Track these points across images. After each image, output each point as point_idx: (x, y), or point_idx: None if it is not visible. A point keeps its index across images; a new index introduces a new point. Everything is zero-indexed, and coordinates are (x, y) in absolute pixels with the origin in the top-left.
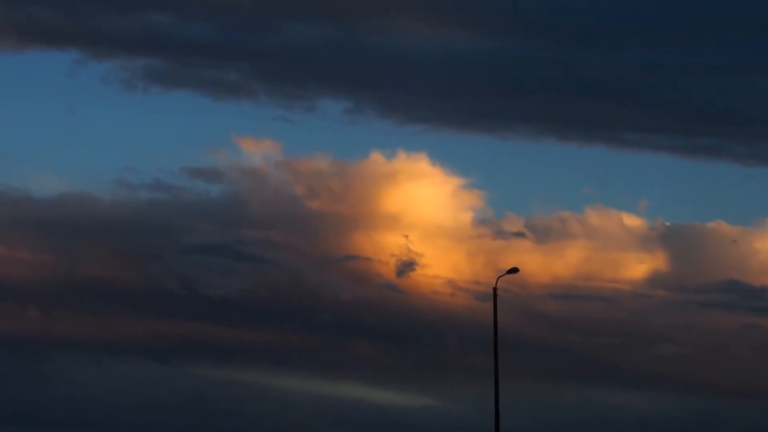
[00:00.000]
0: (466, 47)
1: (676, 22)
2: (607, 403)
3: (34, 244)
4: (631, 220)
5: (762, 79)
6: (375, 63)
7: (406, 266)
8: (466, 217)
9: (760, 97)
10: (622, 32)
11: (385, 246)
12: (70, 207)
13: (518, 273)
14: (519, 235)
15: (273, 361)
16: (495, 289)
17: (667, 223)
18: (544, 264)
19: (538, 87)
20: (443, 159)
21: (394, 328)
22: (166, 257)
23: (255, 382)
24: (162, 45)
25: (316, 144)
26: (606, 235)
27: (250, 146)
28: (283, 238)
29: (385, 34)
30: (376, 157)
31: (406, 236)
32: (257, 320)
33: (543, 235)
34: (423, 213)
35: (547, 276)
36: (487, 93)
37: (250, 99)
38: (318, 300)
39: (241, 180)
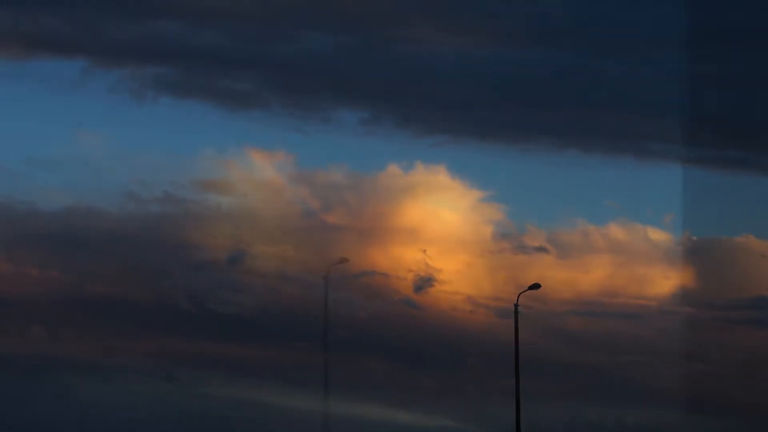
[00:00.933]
0: (485, 57)
1: (703, 30)
2: (631, 422)
3: (40, 260)
4: (657, 235)
5: None
6: (392, 73)
7: (424, 282)
8: (486, 231)
9: None
10: (648, 41)
11: (403, 261)
12: (77, 221)
13: (540, 289)
14: (541, 249)
15: (285, 380)
16: (516, 305)
17: (694, 238)
18: (566, 280)
19: (561, 98)
20: (462, 171)
21: (411, 345)
22: (176, 273)
23: (266, 402)
24: (172, 54)
25: (331, 156)
26: (631, 250)
27: (263, 158)
28: (297, 253)
29: (403, 43)
30: (393, 170)
31: (424, 251)
32: (269, 337)
33: (566, 249)
34: (441, 227)
35: (569, 292)
36: (508, 104)
37: (262, 109)
38: (332, 317)
39: (254, 193)
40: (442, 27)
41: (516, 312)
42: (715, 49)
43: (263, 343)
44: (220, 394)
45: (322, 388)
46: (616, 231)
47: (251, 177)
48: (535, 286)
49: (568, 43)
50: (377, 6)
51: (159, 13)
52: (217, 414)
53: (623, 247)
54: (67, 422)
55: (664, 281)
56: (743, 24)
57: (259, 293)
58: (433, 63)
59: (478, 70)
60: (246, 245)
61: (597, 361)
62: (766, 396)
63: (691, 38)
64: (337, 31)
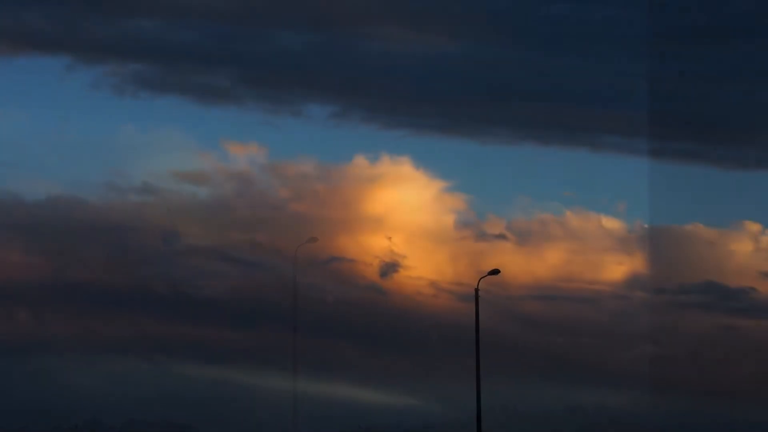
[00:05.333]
0: (448, 53)
1: (654, 29)
2: (587, 402)
3: (24, 247)
4: (611, 223)
5: (740, 85)
6: (359, 68)
7: (390, 268)
8: (449, 219)
9: (737, 102)
10: (602, 38)
11: (369, 248)
12: (60, 210)
13: (500, 274)
14: (500, 237)
15: (258, 361)
16: (477, 290)
17: (646, 226)
18: (525, 265)
19: (519, 92)
20: (426, 163)
21: (377, 328)
22: (155, 259)
23: (240, 382)
24: (151, 51)
25: (301, 148)
26: (586, 238)
27: (237, 150)
28: (268, 240)
29: (370, 40)
30: (360, 161)
31: (390, 238)
32: (243, 321)
33: (524, 237)
34: (406, 216)
35: (528, 277)
36: (469, 98)
37: (236, 104)
38: (302, 301)
39: (228, 183)
40: (406, 25)
41: (477, 296)
42: (667, 47)
43: (237, 326)
44: (196, 373)
45: (292, 369)
46: (572, 219)
47: (226, 168)
48: (495, 272)
49: (525, 39)
50: (345, 5)
51: (139, 11)
52: (193, 393)
53: (579, 234)
54: (50, 402)
55: (618, 267)
56: (696, 23)
57: (232, 278)
58: (398, 59)
59: (441, 66)
60: (221, 233)
61: (554, 343)
62: (716, 376)
63: (645, 36)
64: (307, 29)
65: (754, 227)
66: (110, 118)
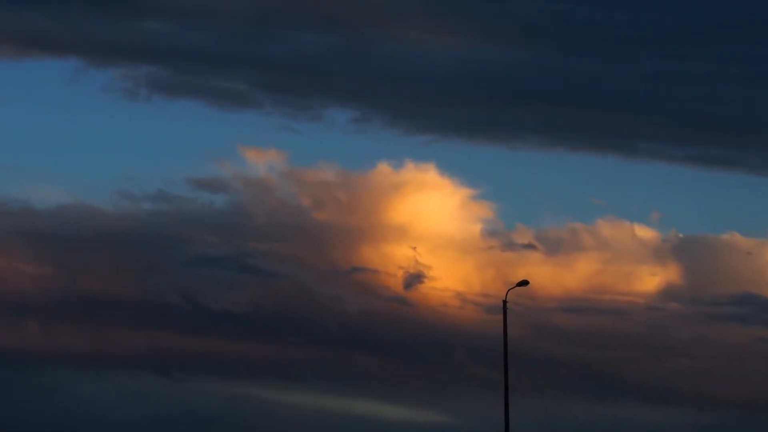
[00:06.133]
0: (475, 56)
1: (689, 30)
2: (618, 418)
3: (35, 257)
4: (644, 232)
5: None
6: (382, 72)
7: (414, 279)
8: (475, 228)
9: None
10: (635, 41)
11: (393, 258)
12: (72, 219)
13: (528, 286)
14: (529, 247)
15: (278, 376)
16: (505, 302)
17: (680, 235)
18: (554, 276)
19: (549, 96)
20: (452, 169)
21: (401, 341)
22: (170, 270)
23: (259, 397)
24: (165, 53)
25: (322, 154)
26: (618, 247)
27: (255, 156)
28: (289, 250)
29: (393, 42)
30: (383, 168)
31: (414, 248)
32: (262, 334)
33: (554, 247)
34: (431, 224)
35: (557, 289)
36: (497, 102)
37: (255, 108)
38: (323, 312)
39: (246, 191)
40: (431, 26)
41: (505, 308)
42: (701, 48)
43: (256, 339)
44: (213, 389)
45: (316, 384)
46: (603, 228)
47: (244, 175)
48: (524, 283)
49: (556, 42)
50: (368, 5)
51: (152, 12)
52: (210, 409)
53: (610, 244)
54: (61, 417)
55: (651, 278)
56: (728, 23)
57: (251, 290)
58: (422, 62)
59: (468, 69)
60: (239, 242)
61: (584, 357)
62: (749, 390)
63: (677, 37)
64: (328, 31)
65: None
66: (122, 123)
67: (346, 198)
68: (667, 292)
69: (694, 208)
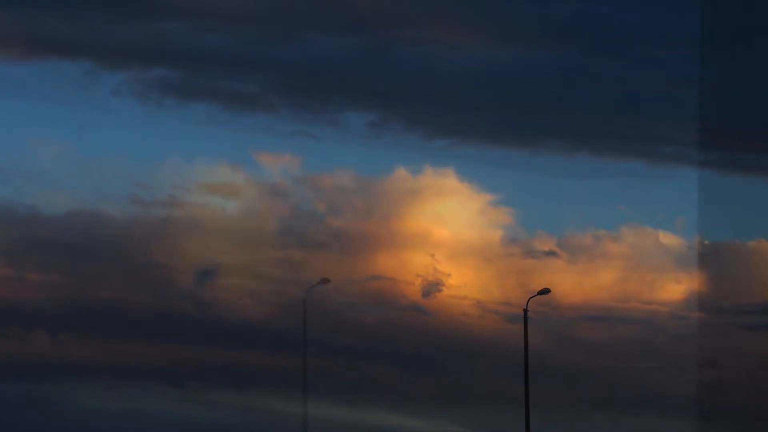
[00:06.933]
0: (494, 58)
1: (712, 33)
2: (642, 430)
3: (41, 264)
4: (668, 239)
5: None
6: (400, 75)
7: (433, 287)
8: (496, 235)
9: None
10: (659, 44)
11: (411, 266)
12: (80, 225)
13: (550, 294)
14: (551, 254)
15: (293, 387)
16: (526, 310)
17: (706, 242)
18: (577, 284)
19: (571, 100)
20: (471, 175)
21: (419, 351)
22: (182, 278)
23: (273, 409)
24: (177, 55)
25: (338, 159)
26: (642, 255)
27: (269, 161)
28: (304, 258)
29: (411, 45)
30: (401, 173)
31: (433, 255)
32: (277, 344)
33: (576, 254)
34: (450, 231)
35: (580, 297)
36: (517, 106)
37: (268, 112)
38: (339, 322)
39: (259, 197)
40: (449, 28)
41: (525, 317)
42: (729, 50)
43: (271, 349)
44: (227, 400)
45: (332, 395)
46: (627, 235)
47: (257, 180)
48: (545, 291)
49: (578, 46)
50: (384, 7)
51: (164, 14)
52: (223, 421)
53: (634, 251)
54: (69, 430)
55: (676, 286)
56: (753, 26)
57: (265, 298)
58: (441, 65)
59: (487, 72)
60: (252, 249)
61: (607, 367)
62: None
63: (701, 41)
64: (343, 32)
65: None
66: (133, 127)
67: (363, 204)
68: (692, 301)
69: (720, 214)
